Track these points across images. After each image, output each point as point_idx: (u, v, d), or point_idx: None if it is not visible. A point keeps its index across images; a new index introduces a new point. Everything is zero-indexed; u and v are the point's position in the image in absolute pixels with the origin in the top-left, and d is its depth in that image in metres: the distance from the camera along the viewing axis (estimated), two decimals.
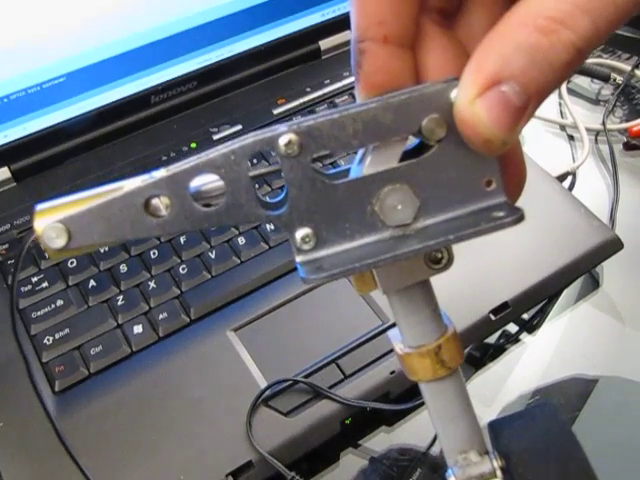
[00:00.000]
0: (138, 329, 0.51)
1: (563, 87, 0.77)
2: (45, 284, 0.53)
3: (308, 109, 0.66)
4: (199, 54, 0.65)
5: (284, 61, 0.69)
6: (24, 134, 0.60)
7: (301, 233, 0.22)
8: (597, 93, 0.78)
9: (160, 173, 0.22)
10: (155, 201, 0.22)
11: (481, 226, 0.22)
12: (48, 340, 0.50)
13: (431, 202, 0.23)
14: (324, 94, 0.67)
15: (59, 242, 0.21)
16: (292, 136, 0.21)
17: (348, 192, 0.22)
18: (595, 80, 0.79)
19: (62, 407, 0.47)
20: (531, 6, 0.20)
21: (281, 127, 0.22)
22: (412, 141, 0.24)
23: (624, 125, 0.71)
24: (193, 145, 0.63)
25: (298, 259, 0.23)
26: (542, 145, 0.72)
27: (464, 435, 0.26)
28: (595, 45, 0.20)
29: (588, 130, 0.72)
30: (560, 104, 0.76)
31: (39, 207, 0.22)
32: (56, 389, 0.48)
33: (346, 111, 0.22)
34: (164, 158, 0.62)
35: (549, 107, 0.76)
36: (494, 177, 0.23)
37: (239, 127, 0.64)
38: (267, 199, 0.23)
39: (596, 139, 0.72)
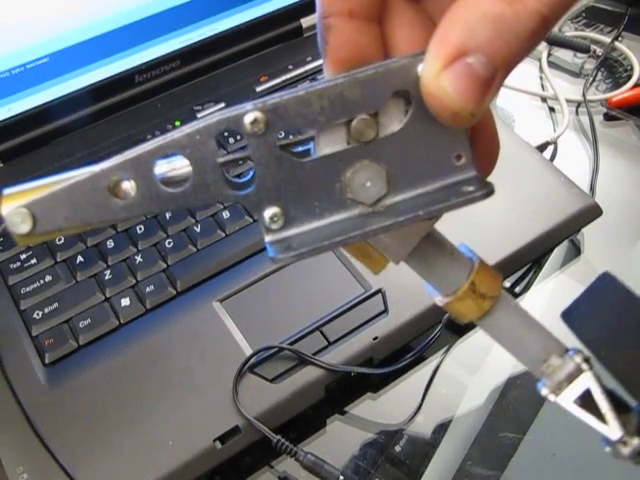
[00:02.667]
0: (125, 302, 0.52)
1: (544, 60, 0.77)
2: (34, 260, 0.54)
3: (290, 86, 0.66)
4: (182, 33, 0.65)
5: (266, 39, 0.69)
6: (9, 115, 0.60)
7: (269, 212, 0.22)
8: (580, 66, 0.79)
9: (126, 154, 0.21)
10: (121, 184, 0.21)
11: (451, 201, 0.22)
12: (37, 314, 0.51)
13: (400, 178, 0.23)
14: (306, 71, 0.68)
15: (24, 227, 0.21)
16: (257, 114, 0.21)
17: (316, 170, 0.22)
18: (577, 54, 0.79)
19: (52, 378, 0.48)
20: None
21: (247, 105, 0.21)
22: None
23: (604, 96, 0.72)
24: (177, 123, 0.64)
25: (267, 239, 0.22)
26: (523, 117, 0.73)
27: (537, 346, 0.26)
28: (561, 13, 0.20)
29: (569, 102, 0.72)
30: (541, 77, 0.77)
31: (6, 192, 0.21)
32: (46, 361, 0.49)
33: (312, 88, 0.21)
34: (149, 137, 0.63)
35: (531, 79, 0.77)
36: (463, 151, 0.23)
37: (222, 105, 0.65)
38: (235, 179, 0.23)
39: (577, 111, 0.73)
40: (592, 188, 0.63)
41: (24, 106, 0.61)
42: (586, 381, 0.25)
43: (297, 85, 0.66)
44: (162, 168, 0.21)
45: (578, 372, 0.25)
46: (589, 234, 0.61)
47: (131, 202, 0.21)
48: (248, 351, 0.49)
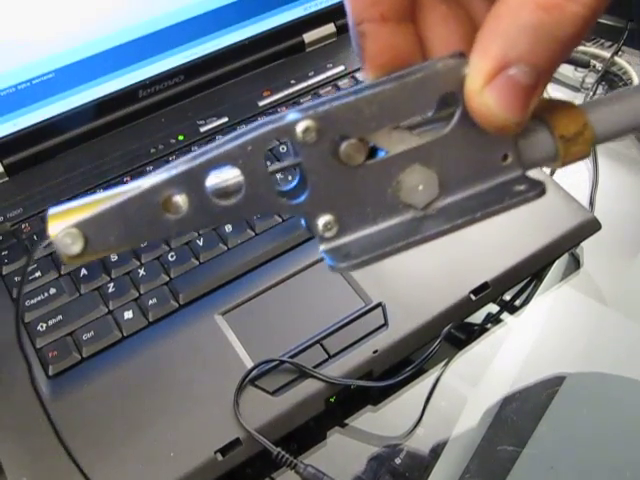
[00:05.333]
0: (128, 315, 0.52)
1: None
2: (38, 273, 0.55)
3: (293, 101, 0.67)
4: (186, 48, 0.66)
5: (269, 54, 0.70)
6: (15, 129, 0.61)
7: (323, 220, 0.22)
8: (580, 81, 0.79)
9: (177, 168, 0.21)
10: (173, 198, 0.21)
11: (506, 202, 0.23)
12: (42, 327, 0.51)
13: (450, 180, 0.23)
14: (308, 86, 0.68)
15: (75, 248, 0.20)
16: (309, 122, 0.21)
17: (368, 176, 0.22)
18: (579, 68, 0.80)
19: (56, 390, 0.49)
20: None
21: (294, 114, 0.21)
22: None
23: None
24: (181, 137, 0.64)
25: (322, 247, 0.22)
26: None
27: None
28: (601, 10, 0.19)
29: None
30: None
31: (52, 211, 0.20)
32: (50, 373, 0.49)
33: (361, 94, 0.21)
34: (152, 150, 0.63)
35: None
36: (510, 151, 0.23)
37: (225, 119, 0.66)
38: (283, 187, 0.23)
39: None
40: (591, 202, 0.64)
41: (30, 121, 0.62)
42: None
43: (299, 99, 0.67)
44: (212, 180, 0.21)
45: None
46: (589, 247, 0.61)
47: (184, 217, 0.21)
48: (249, 364, 0.49)
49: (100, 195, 0.21)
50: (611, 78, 0.79)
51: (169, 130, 0.65)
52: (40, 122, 0.62)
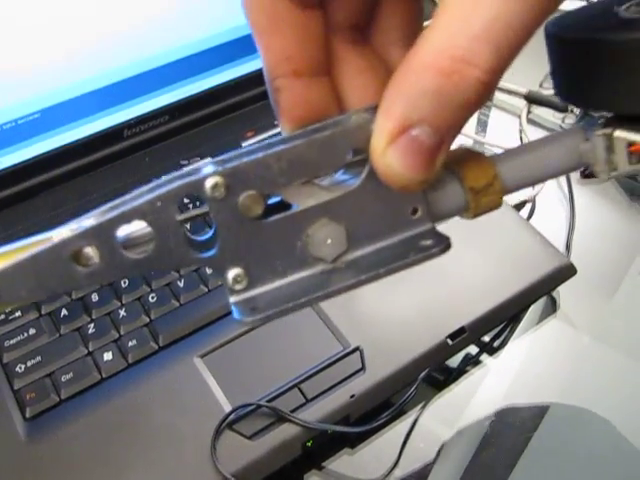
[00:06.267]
0: (108, 356, 0.52)
1: (523, 117, 0.79)
2: (18, 313, 0.55)
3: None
4: (170, 90, 0.67)
5: (253, 95, 0.71)
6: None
7: (232, 273, 0.22)
8: (560, 123, 0.81)
9: (88, 221, 0.21)
10: (83, 250, 0.21)
11: (410, 257, 0.23)
12: (20, 368, 0.51)
13: (359, 234, 0.23)
14: None
15: None
16: (218, 179, 0.21)
17: (277, 230, 0.22)
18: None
19: (33, 433, 0.49)
20: (432, 43, 0.20)
21: (207, 168, 0.21)
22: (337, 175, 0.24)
23: None
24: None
25: (232, 299, 0.22)
26: None
27: (560, 155, 0.24)
28: (502, 73, 0.20)
29: None
30: (521, 135, 0.79)
31: None
32: (27, 415, 0.50)
33: (270, 150, 0.21)
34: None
35: (510, 137, 0.79)
36: (419, 204, 0.23)
37: (208, 159, 0.66)
38: (197, 237, 0.23)
39: None
40: (568, 247, 0.65)
41: (14, 159, 0.62)
42: (621, 136, 0.23)
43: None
44: (123, 231, 0.21)
45: (609, 138, 0.23)
46: (566, 290, 0.62)
47: (94, 270, 0.21)
48: (228, 407, 0.49)
49: (14, 245, 0.21)
50: (589, 119, 0.80)
51: (153, 169, 0.66)
52: (25, 161, 0.63)
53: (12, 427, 0.48)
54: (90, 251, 0.21)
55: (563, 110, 0.79)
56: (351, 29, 0.24)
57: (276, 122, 0.24)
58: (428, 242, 0.23)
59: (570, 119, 0.81)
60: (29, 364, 0.52)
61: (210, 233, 0.22)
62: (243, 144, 0.68)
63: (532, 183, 0.25)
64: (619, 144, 0.23)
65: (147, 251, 0.21)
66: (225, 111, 0.71)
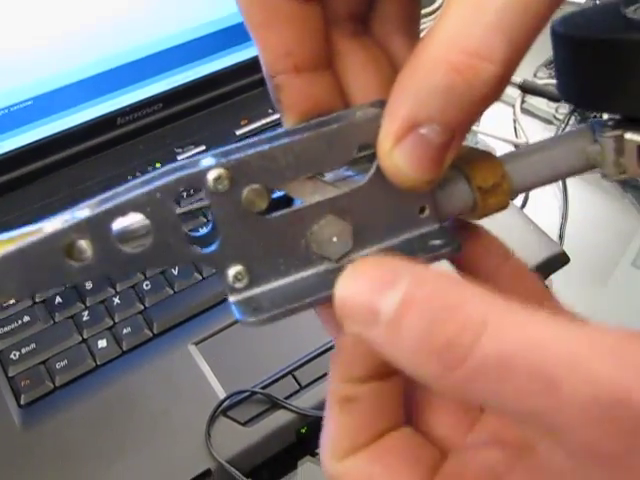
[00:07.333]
0: (102, 343, 0.52)
1: (517, 107, 0.80)
2: (12, 301, 0.55)
3: (270, 130, 0.68)
4: (164, 77, 0.67)
5: (247, 83, 0.71)
6: None
7: (233, 271, 0.21)
8: (553, 113, 0.81)
9: (82, 213, 0.19)
10: (76, 243, 0.20)
11: (419, 256, 0.22)
12: (14, 355, 0.52)
13: (366, 232, 0.22)
14: None
15: None
16: (221, 171, 0.20)
17: (281, 226, 0.21)
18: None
19: (28, 420, 0.49)
20: (443, 34, 0.19)
21: (206, 159, 0.20)
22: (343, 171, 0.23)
23: None
24: (158, 165, 0.65)
25: (232, 299, 0.21)
26: None
27: (569, 155, 0.24)
28: (517, 64, 0.19)
29: None
30: (515, 124, 0.79)
31: None
32: (22, 402, 0.50)
33: (277, 142, 0.20)
34: (130, 177, 0.64)
35: (504, 126, 0.79)
36: (427, 204, 0.22)
37: (203, 147, 0.66)
38: (194, 233, 0.22)
39: None
40: (561, 236, 0.65)
41: (8, 147, 0.62)
42: (633, 139, 0.23)
43: (276, 128, 0.68)
44: (119, 224, 0.20)
45: (619, 140, 0.23)
46: (559, 278, 0.62)
47: (88, 264, 0.20)
48: (222, 394, 0.49)
49: (4, 235, 0.20)
50: (583, 111, 0.80)
51: (147, 157, 0.66)
52: (18, 148, 0.63)
53: (7, 414, 0.48)
54: (83, 244, 0.20)
55: (557, 100, 0.79)
56: (351, 20, 0.23)
57: (270, 110, 0.24)
58: (437, 242, 0.22)
59: (564, 109, 0.81)
60: (23, 351, 0.52)
61: (209, 228, 0.21)
62: (237, 132, 0.68)
63: (540, 184, 0.24)
64: (629, 147, 0.23)
65: (144, 245, 0.20)
66: (219, 99, 0.70)
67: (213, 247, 0.21)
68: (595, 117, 0.72)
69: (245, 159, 0.20)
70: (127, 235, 0.20)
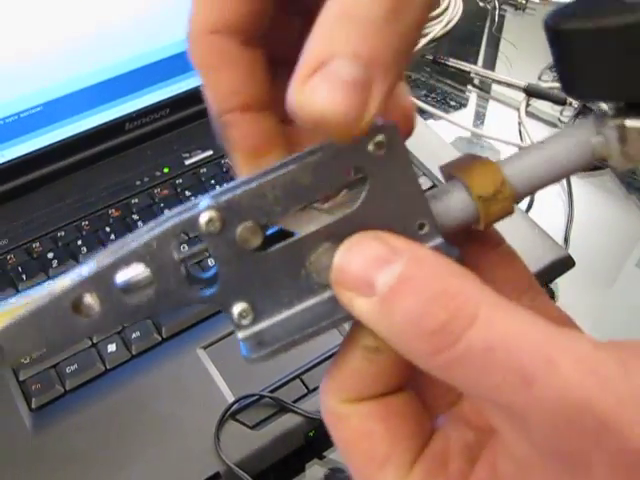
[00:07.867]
0: (112, 348, 0.53)
1: (522, 110, 0.80)
2: None
3: None
4: (171, 83, 0.68)
5: None
6: (2, 161, 0.62)
7: (238, 309, 0.21)
8: (558, 116, 0.81)
9: (86, 269, 0.20)
10: (83, 299, 0.20)
11: None
12: (25, 359, 0.52)
13: None
14: None
15: None
16: (212, 213, 0.20)
17: (279, 259, 0.21)
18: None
19: (38, 423, 0.49)
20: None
21: (203, 202, 0.21)
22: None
23: None
24: (166, 170, 0.66)
25: (239, 335, 0.22)
26: None
27: (571, 150, 0.23)
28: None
29: None
30: (520, 127, 0.79)
31: None
32: (33, 406, 0.50)
33: (263, 178, 0.21)
34: (138, 183, 0.65)
35: (509, 130, 0.79)
36: (426, 219, 0.22)
37: (210, 152, 0.67)
38: (201, 274, 0.22)
39: None
40: (566, 239, 0.66)
41: (17, 152, 0.63)
42: (634, 125, 0.22)
43: None
44: (122, 276, 0.20)
45: (622, 129, 0.22)
46: (564, 281, 0.63)
47: (96, 319, 0.21)
48: (230, 398, 0.50)
49: (15, 300, 0.21)
50: (587, 113, 0.81)
51: (154, 162, 0.67)
52: (27, 154, 0.63)
53: (18, 418, 0.49)
54: (90, 299, 0.20)
55: (562, 103, 0.80)
56: (293, 64, 0.24)
57: None
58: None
59: (569, 111, 0.81)
60: (34, 356, 0.52)
61: (213, 269, 0.22)
62: None
63: (544, 185, 0.24)
64: (632, 134, 0.22)
65: (148, 294, 0.21)
66: None
67: (214, 288, 0.21)
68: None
69: (234, 199, 0.21)
70: (131, 286, 0.21)
